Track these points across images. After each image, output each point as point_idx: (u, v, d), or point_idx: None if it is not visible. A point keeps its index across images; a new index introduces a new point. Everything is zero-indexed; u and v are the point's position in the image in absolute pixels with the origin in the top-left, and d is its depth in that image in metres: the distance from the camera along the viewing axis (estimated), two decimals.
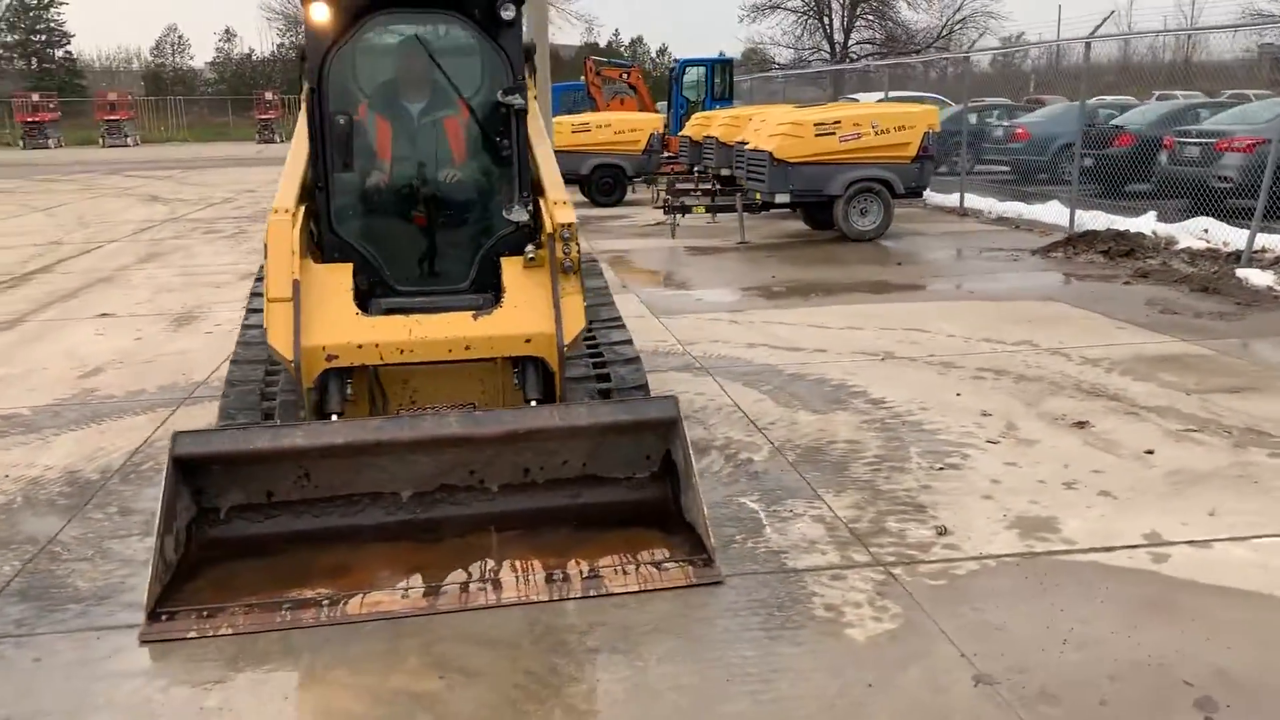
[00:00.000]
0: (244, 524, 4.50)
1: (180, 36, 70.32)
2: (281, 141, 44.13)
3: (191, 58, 70.57)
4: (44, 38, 64.19)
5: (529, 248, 4.95)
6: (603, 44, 64.89)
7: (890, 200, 13.37)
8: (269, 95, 50.61)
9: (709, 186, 14.46)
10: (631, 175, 18.33)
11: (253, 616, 3.90)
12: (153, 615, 3.87)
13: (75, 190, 24.48)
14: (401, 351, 4.71)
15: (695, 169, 16.93)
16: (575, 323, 4.78)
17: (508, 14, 4.90)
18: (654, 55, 70.58)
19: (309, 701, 3.46)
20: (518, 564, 4.26)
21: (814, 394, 6.74)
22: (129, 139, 48.54)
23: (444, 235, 5.21)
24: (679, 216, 13.92)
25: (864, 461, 5.51)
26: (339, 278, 4.87)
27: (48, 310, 10.08)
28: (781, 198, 13.23)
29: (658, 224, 14.41)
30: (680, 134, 20.58)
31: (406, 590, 4.08)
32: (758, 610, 3.96)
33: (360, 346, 4.66)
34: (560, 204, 4.94)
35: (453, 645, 3.74)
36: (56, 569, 4.40)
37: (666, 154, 20.02)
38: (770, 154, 13.08)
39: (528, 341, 4.79)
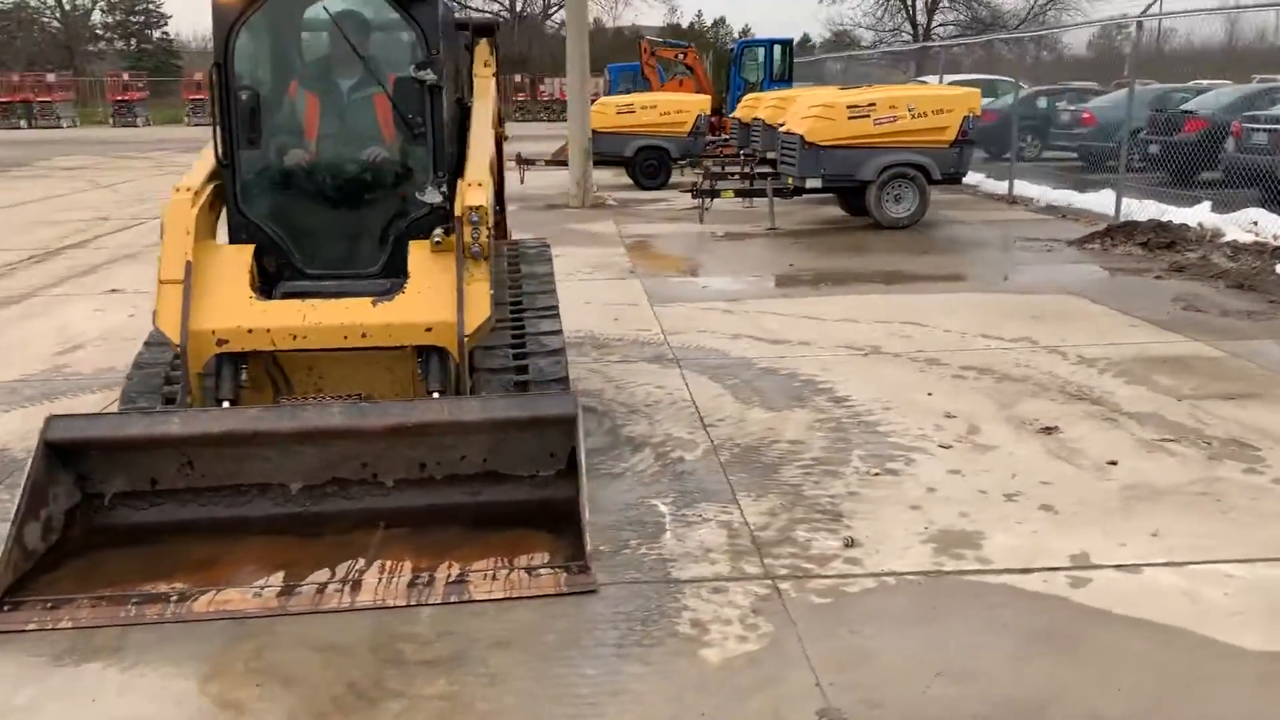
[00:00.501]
0: (129, 511, 4.41)
1: None
2: None
3: None
4: (142, 19, 65.98)
5: (437, 231, 4.74)
6: (685, 25, 64.32)
7: (926, 187, 12.84)
8: None
9: (744, 170, 14.08)
10: (676, 157, 18.01)
11: (98, 610, 3.78)
12: None
13: (147, 167, 25.01)
14: (295, 338, 4.56)
15: (742, 152, 16.54)
16: (478, 312, 4.57)
17: None
18: (736, 37, 69.83)
19: (112, 705, 3.31)
20: (387, 565, 4.08)
21: (778, 390, 6.43)
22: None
23: (354, 217, 5.02)
24: (709, 201, 13.59)
25: (799, 464, 5.20)
26: (239, 259, 4.73)
27: (60, 286, 10.22)
28: (812, 183, 12.81)
29: (692, 208, 14.12)
30: (731, 115, 20.18)
31: (261, 589, 3.92)
32: (619, 624, 3.71)
33: (251, 331, 4.53)
34: (474, 186, 4.72)
35: (288, 651, 3.57)
36: None
37: (718, 136, 19.63)
38: (801, 137, 12.67)
39: (428, 330, 4.60)
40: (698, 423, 5.83)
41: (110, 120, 47.76)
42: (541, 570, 4.02)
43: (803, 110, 13.14)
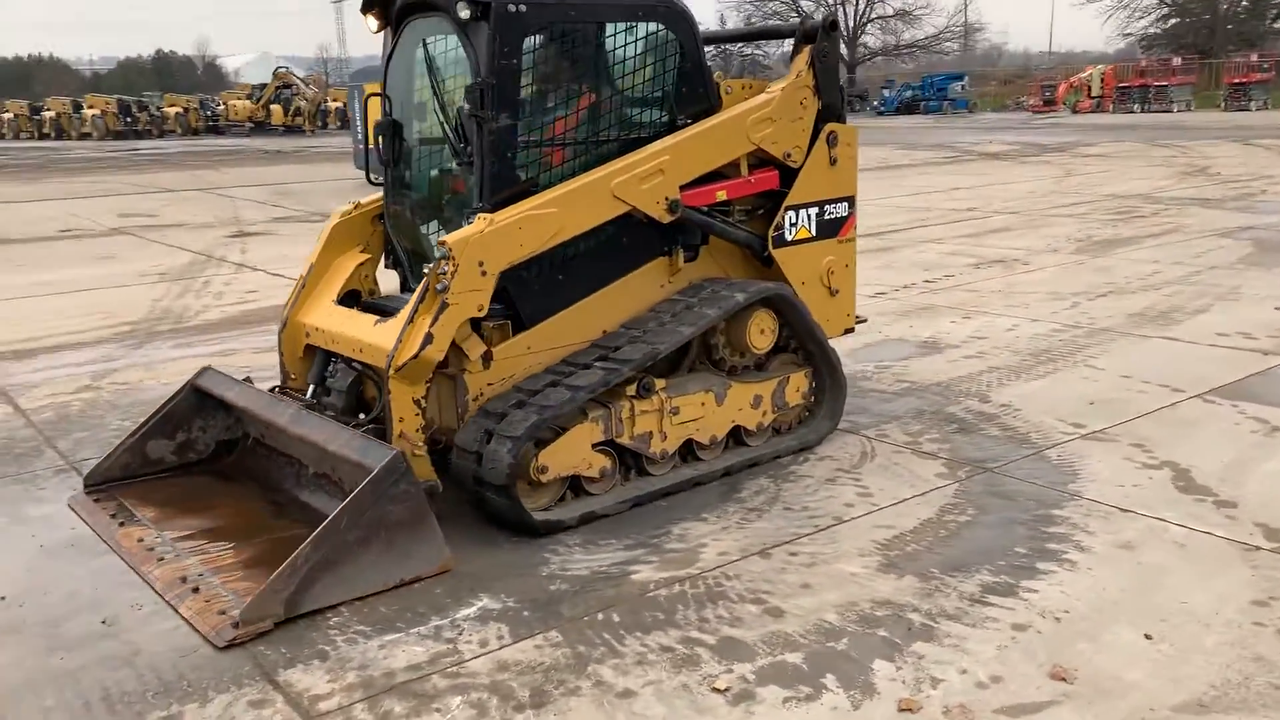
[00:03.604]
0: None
1: None
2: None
3: None
4: None
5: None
6: None
7: None
8: None
9: None
10: None
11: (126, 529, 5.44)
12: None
13: (1062, 164, 24.58)
14: (328, 341, 5.22)
15: None
16: (406, 349, 4.48)
17: (463, 13, 4.71)
18: None
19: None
20: None
21: None
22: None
23: (432, 240, 5.55)
24: None
25: None
26: (345, 268, 5.70)
27: None
28: None
29: None
30: None
31: None
32: None
33: (303, 326, 5.50)
34: (479, 220, 4.63)
35: None
36: None
37: None
38: None
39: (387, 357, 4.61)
40: None
41: (1221, 104, 46.35)
42: None
43: None
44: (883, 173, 22.61)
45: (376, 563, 4.12)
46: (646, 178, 5.01)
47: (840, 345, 7.70)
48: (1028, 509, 4.74)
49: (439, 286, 4.48)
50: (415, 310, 4.55)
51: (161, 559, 4.46)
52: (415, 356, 4.45)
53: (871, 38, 72.25)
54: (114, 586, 4.28)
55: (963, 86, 53.65)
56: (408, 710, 3.33)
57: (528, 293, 4.90)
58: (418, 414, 4.59)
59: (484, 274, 4.55)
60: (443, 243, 4.53)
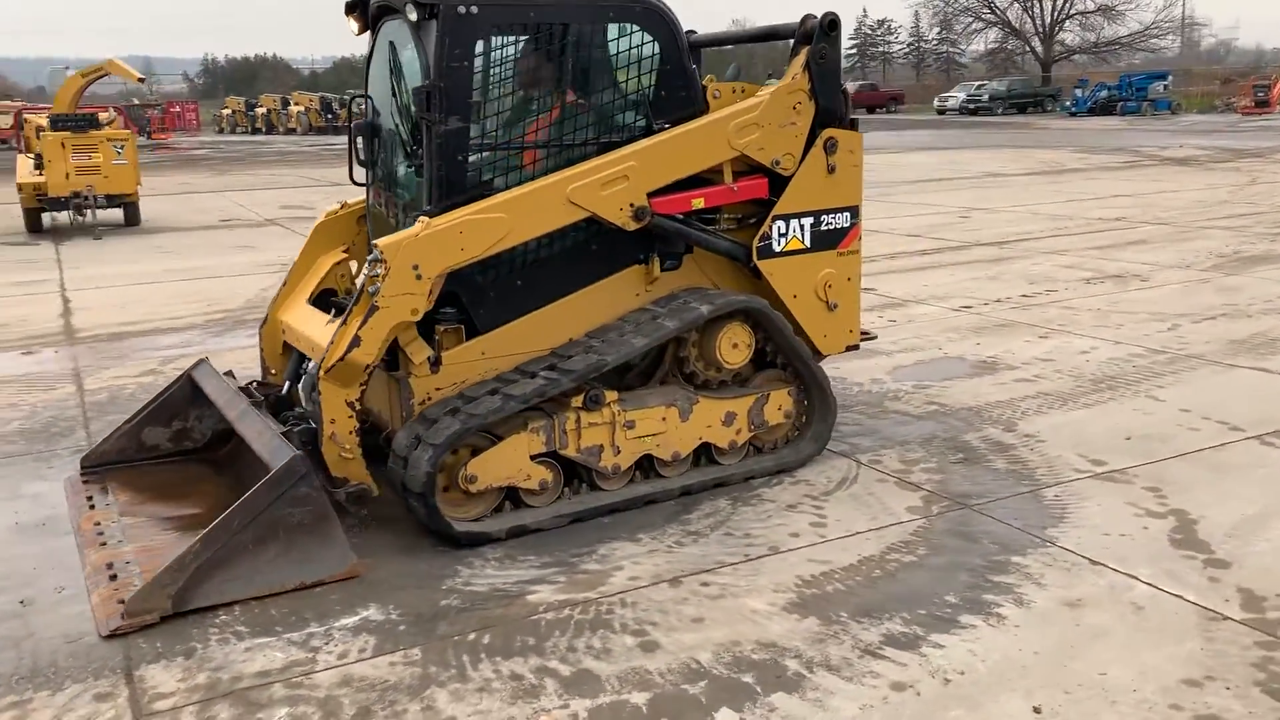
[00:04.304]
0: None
1: None
2: None
3: None
4: None
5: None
6: None
7: None
8: None
9: None
10: None
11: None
12: None
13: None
14: (293, 339, 5.41)
15: None
16: (335, 351, 4.49)
17: (411, 15, 4.71)
18: None
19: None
20: None
21: None
22: None
23: None
24: None
25: None
26: (323, 268, 5.89)
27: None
28: None
29: None
30: None
31: None
32: None
33: (279, 323, 5.70)
34: (420, 223, 4.55)
35: None
36: None
37: None
38: None
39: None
40: None
41: None
42: None
43: None
44: (1045, 178, 21.38)
45: (275, 564, 4.14)
46: (609, 183, 4.84)
47: (888, 362, 7.39)
48: (986, 553, 4.33)
49: (370, 290, 4.47)
50: (349, 312, 4.56)
51: (104, 544, 4.62)
52: (342, 359, 4.45)
53: (1070, 34, 68.82)
54: (53, 568, 4.46)
55: (1165, 86, 50.08)
56: (232, 717, 3.32)
57: (482, 298, 4.83)
58: (350, 416, 4.58)
59: (419, 278, 4.50)
60: (375, 245, 4.51)
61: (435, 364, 4.73)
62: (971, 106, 53.82)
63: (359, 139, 5.37)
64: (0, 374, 7.78)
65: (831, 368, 7.12)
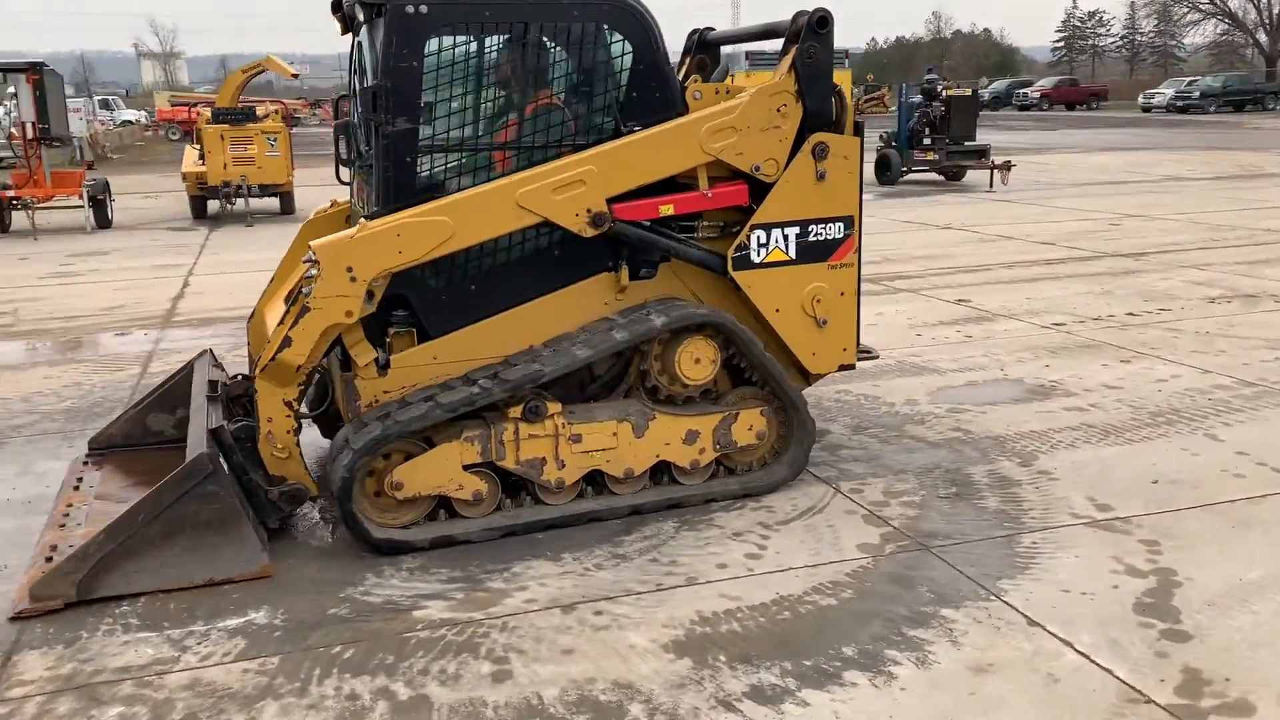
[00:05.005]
0: None
1: None
2: None
3: None
4: None
5: None
6: None
7: None
8: None
9: None
10: None
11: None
12: None
13: None
14: (266, 334, 5.36)
15: None
16: (269, 350, 4.53)
17: (359, 14, 4.77)
18: None
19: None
20: None
21: None
22: None
23: None
24: None
25: None
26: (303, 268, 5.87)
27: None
28: None
29: None
30: None
31: None
32: None
33: (262, 318, 5.76)
34: (361, 225, 4.53)
35: None
36: None
37: None
38: None
39: None
40: None
41: None
42: None
43: None
44: (1231, 183, 19.66)
45: (183, 559, 4.19)
46: (562, 188, 4.67)
47: (937, 382, 6.91)
48: (916, 603, 3.94)
49: (304, 290, 4.47)
50: (286, 313, 4.57)
51: (63, 526, 4.80)
52: (273, 359, 4.46)
53: None
54: (14, 547, 4.66)
55: None
56: (69, 711, 3.37)
57: (433, 302, 4.76)
58: (288, 415, 4.60)
59: (353, 280, 4.46)
60: (309, 246, 4.50)
61: (384, 367, 4.70)
62: (1180, 104, 50.11)
63: (341, 139, 5.41)
64: (86, 354, 8.29)
65: (870, 386, 6.76)
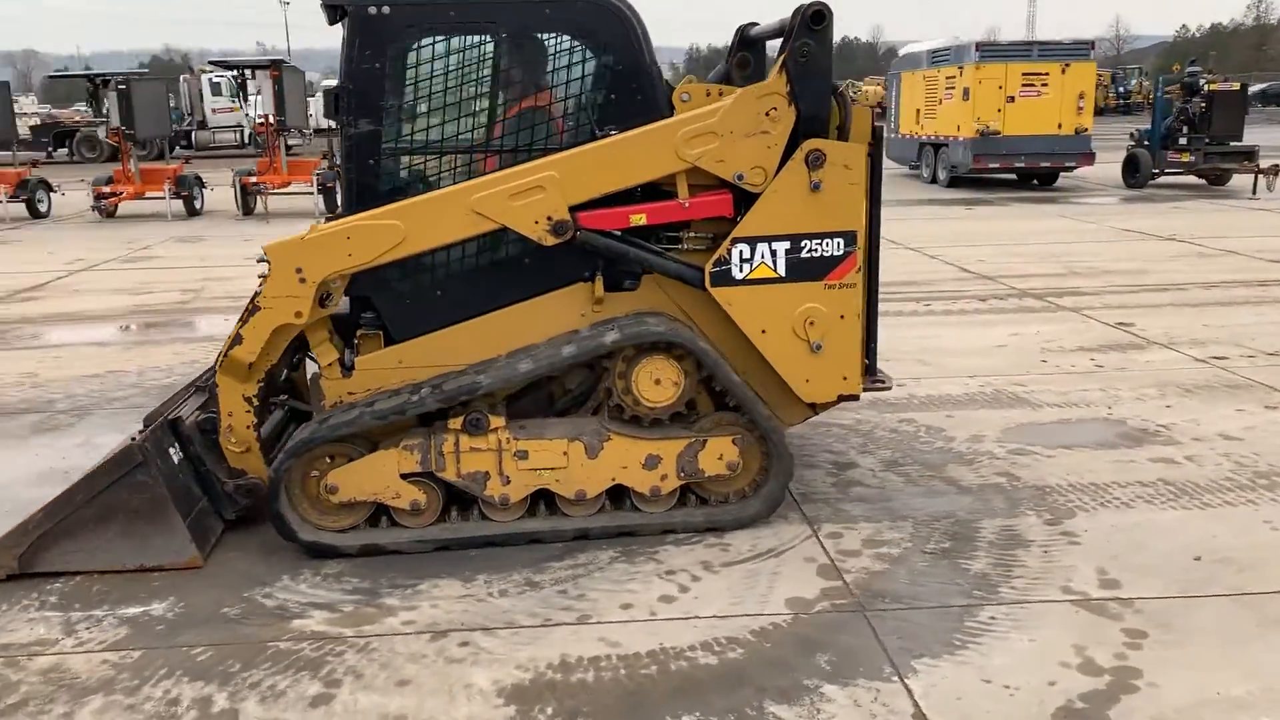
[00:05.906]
0: None
1: None
2: None
3: None
4: None
5: None
6: None
7: None
8: None
9: None
10: None
11: None
12: None
13: None
14: None
15: None
16: (224, 347, 4.59)
17: (325, 16, 4.67)
18: None
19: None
20: None
21: None
22: None
23: None
24: None
25: None
26: None
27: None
28: None
29: None
30: None
31: None
32: None
33: None
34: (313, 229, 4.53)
35: None
36: None
37: None
38: None
39: None
40: None
41: None
42: None
43: None
44: None
45: (115, 543, 4.35)
46: (521, 194, 4.47)
47: (1020, 417, 6.22)
48: (803, 674, 3.47)
49: (257, 289, 4.52)
50: (244, 310, 4.64)
51: None
52: (226, 354, 4.55)
53: None
54: (5, 515, 4.99)
55: None
56: None
57: (396, 306, 4.71)
58: (248, 410, 4.68)
59: (303, 281, 4.46)
60: (262, 247, 4.54)
61: (349, 368, 4.70)
62: None
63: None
64: (184, 334, 8.86)
65: (943, 416, 6.16)
